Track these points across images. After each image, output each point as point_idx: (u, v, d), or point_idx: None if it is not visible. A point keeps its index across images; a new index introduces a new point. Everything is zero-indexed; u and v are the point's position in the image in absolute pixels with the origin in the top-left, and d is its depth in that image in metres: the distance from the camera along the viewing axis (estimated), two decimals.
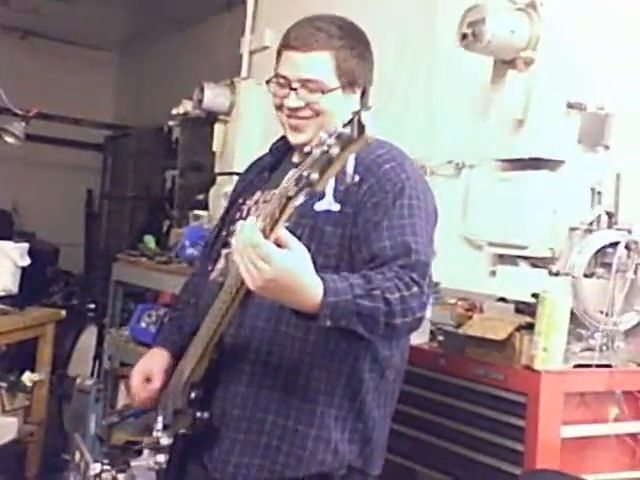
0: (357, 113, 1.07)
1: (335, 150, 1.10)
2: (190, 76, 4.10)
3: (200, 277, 1.71)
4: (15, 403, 3.51)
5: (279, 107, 1.55)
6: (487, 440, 1.96)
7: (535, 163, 2.36)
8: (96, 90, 6.80)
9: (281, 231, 1.23)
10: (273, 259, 1.20)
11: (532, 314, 2.00)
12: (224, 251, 1.60)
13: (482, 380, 1.98)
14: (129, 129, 6.68)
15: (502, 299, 2.28)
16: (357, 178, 1.45)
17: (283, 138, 1.63)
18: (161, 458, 1.55)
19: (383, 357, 1.51)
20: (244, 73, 3.82)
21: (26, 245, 3.54)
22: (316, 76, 1.50)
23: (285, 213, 1.20)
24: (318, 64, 1.50)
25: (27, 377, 3.43)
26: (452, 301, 2.31)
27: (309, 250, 1.35)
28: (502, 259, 2.51)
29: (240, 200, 1.65)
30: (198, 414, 1.48)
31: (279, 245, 1.23)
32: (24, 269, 3.51)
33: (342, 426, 1.47)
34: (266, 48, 3.69)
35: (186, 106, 3.74)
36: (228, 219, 1.68)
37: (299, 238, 1.37)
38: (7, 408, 3.46)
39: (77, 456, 2.95)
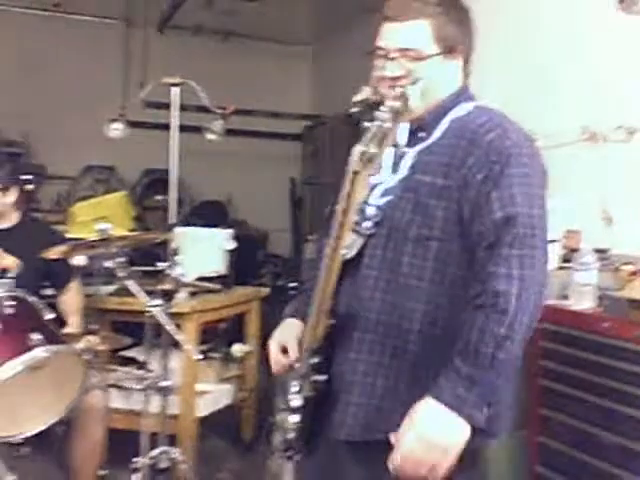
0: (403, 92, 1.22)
1: (388, 124, 1.22)
2: None
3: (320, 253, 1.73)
4: (229, 372, 3.93)
5: (381, 79, 1.53)
6: None
7: None
8: (292, 83, 7.19)
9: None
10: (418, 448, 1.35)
11: None
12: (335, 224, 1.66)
13: None
14: (324, 118, 7.01)
15: None
16: (435, 135, 1.50)
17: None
18: (293, 419, 1.59)
19: None
20: None
21: (231, 231, 3.93)
22: (413, 44, 1.50)
23: (356, 187, 1.31)
24: (415, 32, 1.50)
25: (236, 348, 3.82)
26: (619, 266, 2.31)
27: (414, 222, 1.45)
28: None
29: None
30: (315, 377, 1.54)
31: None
32: (235, 252, 3.90)
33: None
34: None
35: (366, 92, 3.91)
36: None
37: (403, 211, 1.48)
38: (222, 377, 3.89)
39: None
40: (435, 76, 1.52)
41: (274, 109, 7.01)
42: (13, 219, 2.94)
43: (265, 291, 4.16)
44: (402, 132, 1.27)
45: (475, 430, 1.40)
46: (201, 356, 2.92)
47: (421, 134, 1.54)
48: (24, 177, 3.01)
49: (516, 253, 1.37)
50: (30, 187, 2.88)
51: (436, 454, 1.37)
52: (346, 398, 1.53)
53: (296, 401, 1.58)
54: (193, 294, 3.51)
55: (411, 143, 1.52)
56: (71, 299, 3.05)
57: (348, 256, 1.52)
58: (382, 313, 1.50)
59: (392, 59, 1.51)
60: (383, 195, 1.54)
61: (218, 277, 3.83)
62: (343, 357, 1.55)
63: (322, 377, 1.55)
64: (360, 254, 1.54)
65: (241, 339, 3.97)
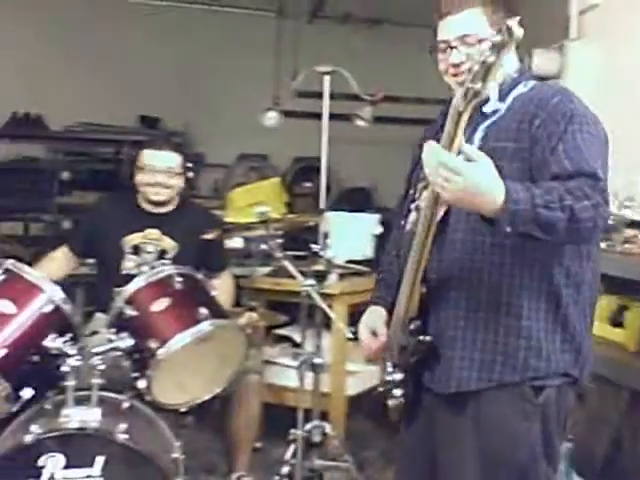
0: (505, 24, 1.30)
1: (492, 58, 1.31)
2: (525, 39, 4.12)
3: (397, 231, 1.90)
4: None
5: (445, 71, 1.70)
6: None
7: None
8: (436, 68, 7.13)
9: (465, 146, 1.40)
10: (463, 171, 1.37)
11: None
12: (412, 205, 1.78)
13: None
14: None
15: None
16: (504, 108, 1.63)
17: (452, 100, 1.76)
18: (398, 392, 1.75)
19: (575, 273, 1.64)
20: (573, 34, 3.79)
21: (377, 216, 4.00)
22: (471, 30, 1.64)
23: (459, 128, 1.39)
24: (470, 19, 1.65)
25: None
26: None
27: None
28: None
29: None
30: (421, 338, 1.67)
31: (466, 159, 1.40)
32: (380, 237, 3.97)
33: (552, 338, 1.62)
34: (595, 6, 3.64)
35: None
36: (413, 178, 1.84)
37: None
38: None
39: None
40: None
41: (421, 95, 6.99)
42: (174, 204, 3.10)
43: None
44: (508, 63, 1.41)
45: (569, 375, 1.62)
46: (351, 336, 3.00)
47: (488, 111, 1.69)
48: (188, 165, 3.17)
49: (585, 188, 1.46)
50: (191, 175, 3.05)
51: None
52: (450, 353, 1.66)
53: (397, 375, 1.75)
54: (341, 276, 3.61)
55: (480, 120, 1.69)
56: (222, 287, 3.04)
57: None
58: (473, 271, 1.63)
59: (453, 47, 1.66)
60: None
61: (365, 261, 3.92)
62: (441, 316, 1.68)
63: (427, 337, 1.67)
64: (444, 222, 1.66)
65: None
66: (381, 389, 1.83)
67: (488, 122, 1.68)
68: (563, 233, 1.45)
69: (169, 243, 2.98)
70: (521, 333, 1.61)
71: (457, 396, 1.66)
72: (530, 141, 1.59)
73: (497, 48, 1.32)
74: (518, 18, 1.35)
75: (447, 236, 1.66)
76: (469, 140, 1.68)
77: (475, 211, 1.48)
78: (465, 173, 1.38)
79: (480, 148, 1.62)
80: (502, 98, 1.67)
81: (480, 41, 1.61)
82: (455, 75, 1.69)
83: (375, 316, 1.89)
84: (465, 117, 1.41)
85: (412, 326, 1.70)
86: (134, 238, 2.98)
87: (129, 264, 2.96)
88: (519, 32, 1.32)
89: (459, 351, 1.65)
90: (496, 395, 1.63)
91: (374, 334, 1.86)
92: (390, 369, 1.78)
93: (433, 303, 1.70)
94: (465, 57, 1.65)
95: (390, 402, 1.79)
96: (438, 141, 1.49)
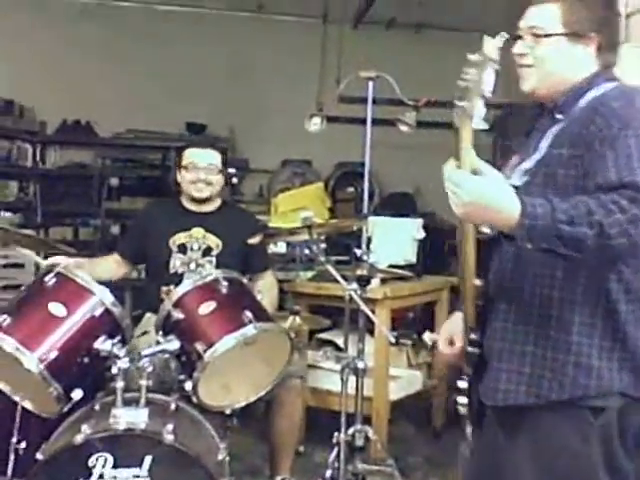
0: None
1: (471, 76, 1.32)
2: None
3: None
4: (419, 359, 4.01)
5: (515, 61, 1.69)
6: None
7: None
8: None
9: (476, 162, 1.40)
10: (464, 184, 1.38)
11: None
12: None
13: None
14: (516, 107, 6.82)
15: None
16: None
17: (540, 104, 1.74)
18: (462, 400, 1.75)
19: (638, 288, 1.55)
20: (621, 37, 3.73)
21: (420, 220, 4.00)
22: (538, 23, 1.64)
23: (463, 143, 1.40)
24: (544, 13, 1.65)
25: (427, 336, 3.87)
26: None
27: (546, 194, 1.47)
28: None
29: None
30: (469, 349, 1.67)
31: (477, 174, 1.40)
32: (423, 242, 3.98)
33: (608, 356, 1.54)
34: None
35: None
36: None
37: (537, 185, 1.54)
38: (412, 363, 3.98)
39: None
40: (557, 57, 1.64)
41: None
42: (217, 204, 3.22)
43: (453, 281, 4.17)
44: (489, 79, 1.36)
45: (630, 396, 1.53)
46: (394, 340, 3.01)
47: (559, 116, 1.64)
48: (230, 170, 3.26)
49: (621, 201, 1.39)
50: (235, 180, 3.10)
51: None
52: (497, 365, 1.63)
53: (462, 384, 1.74)
54: (384, 281, 3.62)
55: (549, 124, 1.65)
56: (265, 287, 3.05)
57: (491, 234, 1.62)
58: (525, 283, 1.60)
59: (521, 37, 1.66)
60: (522, 175, 1.64)
61: (408, 266, 3.92)
62: (493, 327, 1.66)
63: (475, 349, 1.68)
64: (500, 235, 1.62)
65: (430, 327, 4.02)
66: (454, 396, 1.81)
67: (557, 128, 1.63)
68: (593, 249, 1.38)
69: (213, 241, 3.10)
70: (571, 349, 1.55)
71: (509, 410, 1.63)
72: (584, 147, 1.52)
73: (474, 67, 1.35)
74: (504, 36, 1.37)
75: (502, 248, 1.65)
76: (536, 147, 1.65)
77: (493, 227, 1.48)
78: (466, 187, 1.39)
79: (544, 156, 1.61)
80: (570, 104, 1.62)
81: (546, 36, 1.63)
82: (519, 67, 1.69)
83: (454, 324, 1.85)
84: (463, 133, 1.41)
85: (472, 335, 1.70)
86: (180, 237, 3.09)
87: (177, 262, 3.06)
88: (488, 51, 1.35)
89: (506, 364, 1.62)
90: (553, 415, 1.57)
91: (451, 342, 1.84)
92: (460, 377, 1.77)
93: (488, 314, 1.69)
94: (527, 50, 1.66)
95: (459, 409, 1.78)
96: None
